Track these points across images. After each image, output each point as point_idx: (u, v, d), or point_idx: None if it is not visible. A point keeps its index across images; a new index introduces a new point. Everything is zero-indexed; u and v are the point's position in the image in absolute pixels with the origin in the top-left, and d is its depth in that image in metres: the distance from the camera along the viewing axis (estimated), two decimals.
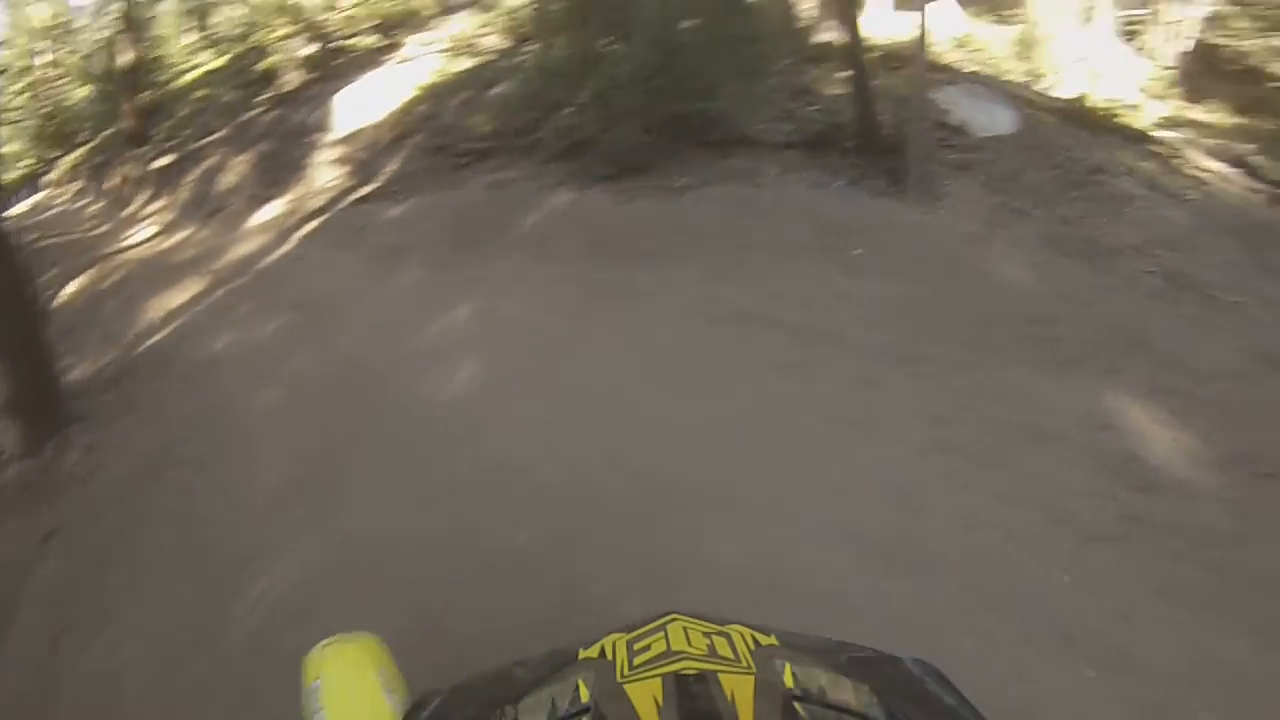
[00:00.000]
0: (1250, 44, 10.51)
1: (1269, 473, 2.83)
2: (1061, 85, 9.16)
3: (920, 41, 5.75)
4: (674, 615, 0.86)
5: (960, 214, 5.62)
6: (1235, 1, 10.12)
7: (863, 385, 3.55)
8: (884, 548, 2.52)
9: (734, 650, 0.77)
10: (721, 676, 0.69)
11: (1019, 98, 7.85)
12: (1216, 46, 10.01)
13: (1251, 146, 7.96)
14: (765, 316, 4.31)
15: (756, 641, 0.80)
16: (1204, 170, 7.42)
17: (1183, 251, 5.28)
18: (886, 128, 6.21)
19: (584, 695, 0.71)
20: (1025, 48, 9.70)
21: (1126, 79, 9.58)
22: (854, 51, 6.22)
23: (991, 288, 4.55)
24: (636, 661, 0.76)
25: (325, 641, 1.00)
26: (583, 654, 0.83)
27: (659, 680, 0.70)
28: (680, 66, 5.83)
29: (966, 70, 8.28)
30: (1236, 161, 7.66)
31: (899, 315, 4.20)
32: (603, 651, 0.81)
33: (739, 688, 0.67)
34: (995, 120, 7.11)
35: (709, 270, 4.97)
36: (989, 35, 10.36)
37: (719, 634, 0.81)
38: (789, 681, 0.71)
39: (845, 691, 0.72)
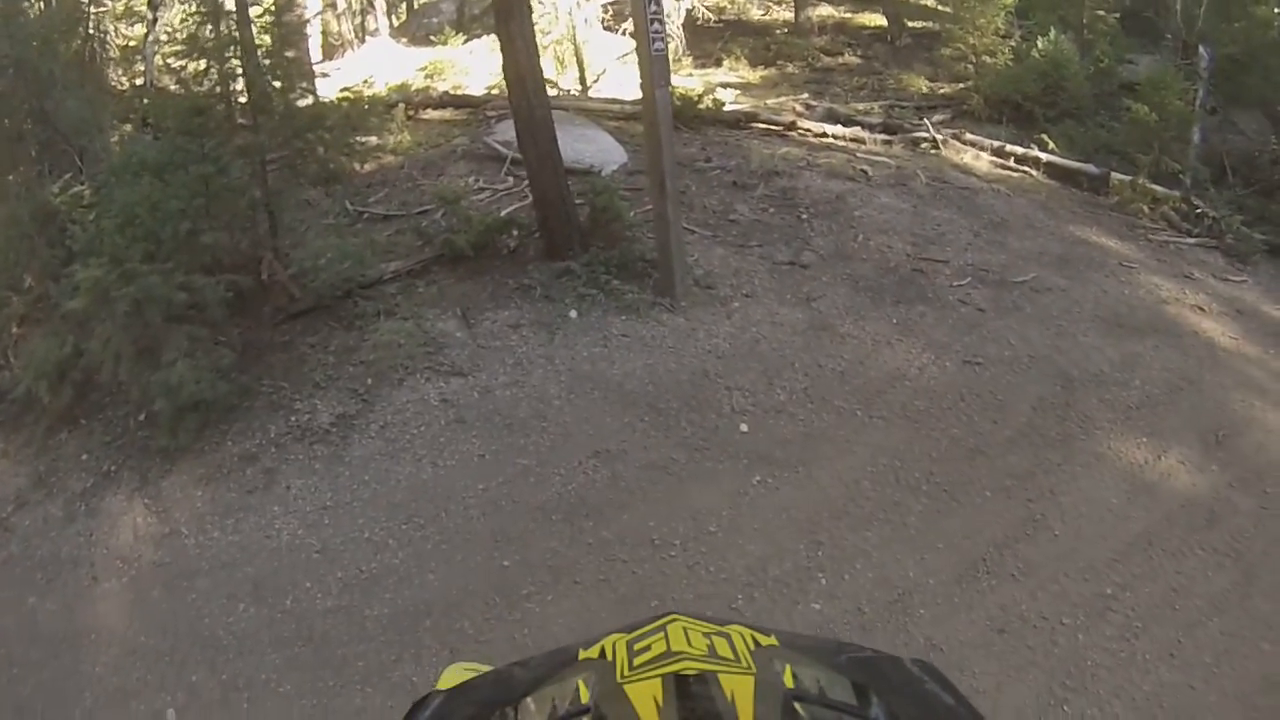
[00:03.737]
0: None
1: None
2: (603, 87, 8.72)
3: (665, 95, 4.40)
4: (674, 616, 0.86)
5: (760, 302, 4.59)
6: None
7: None
8: None
9: (734, 650, 0.77)
10: (721, 677, 0.69)
11: (585, 111, 6.67)
12: (691, 9, 10.54)
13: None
14: None
15: (756, 642, 0.81)
16: (836, 140, 7.08)
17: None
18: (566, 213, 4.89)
19: (584, 696, 0.71)
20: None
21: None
22: (534, 111, 4.82)
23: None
24: (636, 662, 0.76)
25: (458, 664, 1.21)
26: (583, 654, 0.83)
27: (659, 681, 0.70)
28: None
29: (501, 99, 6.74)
30: (847, 120, 7.67)
31: None
32: (603, 652, 0.81)
33: (739, 688, 0.67)
34: (606, 152, 5.75)
35: None
36: (456, 57, 9.24)
37: (719, 634, 0.81)
38: (789, 682, 0.71)
39: (845, 691, 0.72)
